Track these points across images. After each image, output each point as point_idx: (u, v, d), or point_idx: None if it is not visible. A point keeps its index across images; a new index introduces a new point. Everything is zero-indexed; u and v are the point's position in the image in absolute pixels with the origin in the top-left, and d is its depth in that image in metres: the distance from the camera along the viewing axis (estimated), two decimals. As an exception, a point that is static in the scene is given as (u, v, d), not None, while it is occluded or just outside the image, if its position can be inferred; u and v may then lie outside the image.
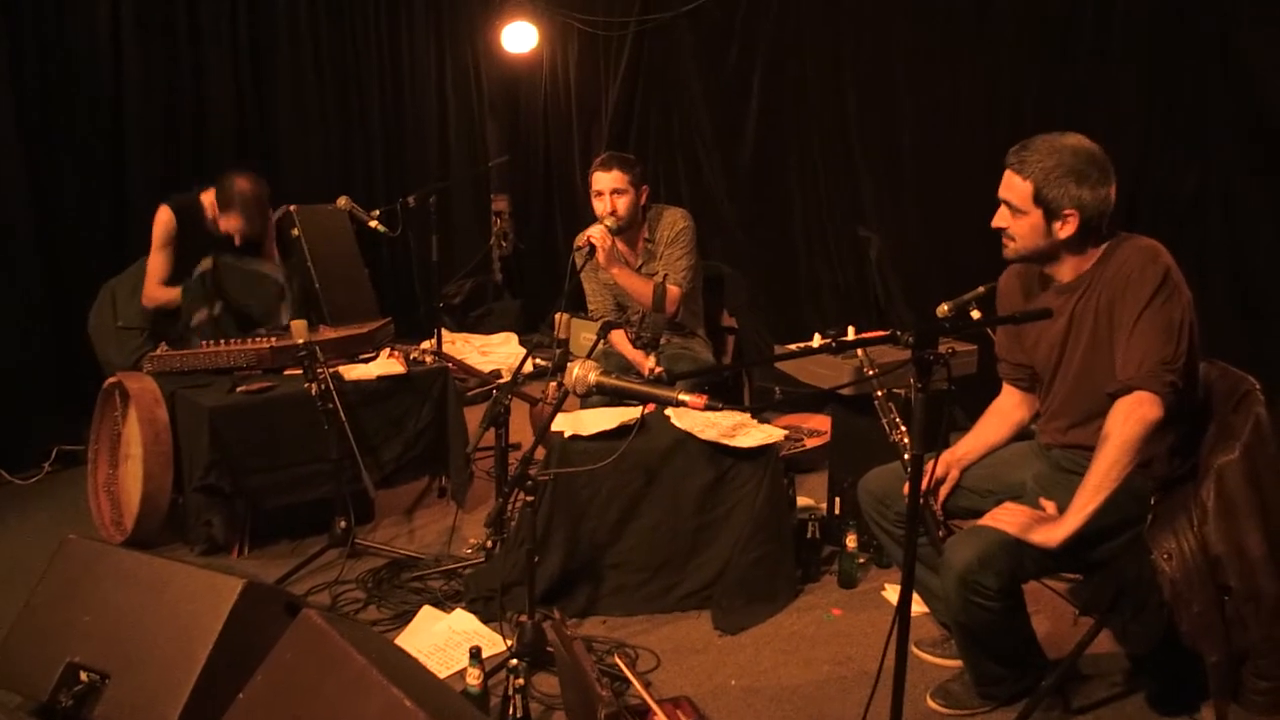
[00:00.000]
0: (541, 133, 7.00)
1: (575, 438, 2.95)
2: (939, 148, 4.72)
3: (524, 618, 2.61)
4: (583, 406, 3.27)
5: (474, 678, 2.38)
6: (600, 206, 3.50)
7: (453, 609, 2.91)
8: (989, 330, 2.74)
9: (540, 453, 2.87)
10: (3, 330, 4.22)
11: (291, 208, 3.92)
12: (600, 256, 3.37)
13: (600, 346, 3.03)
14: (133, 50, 4.87)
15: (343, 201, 4.21)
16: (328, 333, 3.67)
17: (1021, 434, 2.59)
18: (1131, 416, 2.11)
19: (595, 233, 3.38)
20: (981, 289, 2.49)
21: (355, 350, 3.68)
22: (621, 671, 2.48)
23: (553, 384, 2.71)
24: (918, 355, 1.80)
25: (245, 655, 1.99)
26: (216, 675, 2.04)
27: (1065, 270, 2.29)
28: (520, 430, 4.35)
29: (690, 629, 2.89)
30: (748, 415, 3.14)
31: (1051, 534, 2.13)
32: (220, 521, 3.27)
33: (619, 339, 3.68)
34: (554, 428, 2.93)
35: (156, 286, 3.81)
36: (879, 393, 2.68)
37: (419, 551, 3.37)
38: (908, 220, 4.88)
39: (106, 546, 2.49)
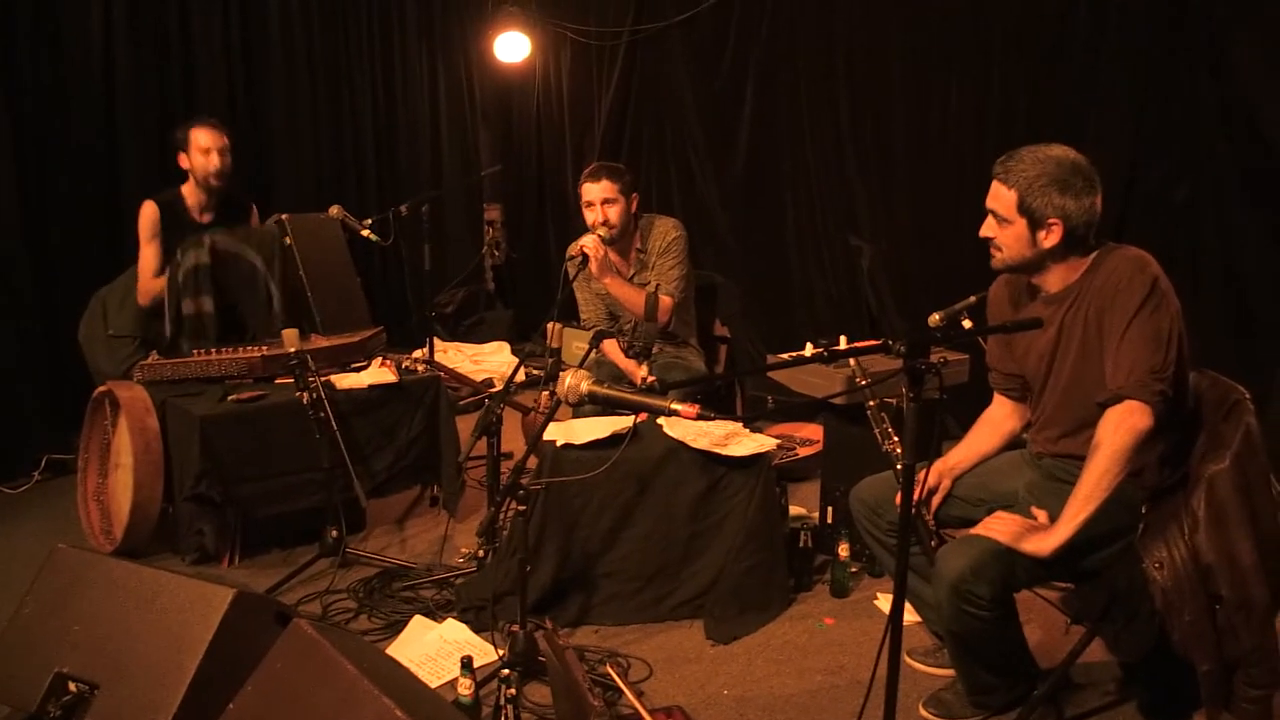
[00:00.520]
0: (534, 142, 7.02)
1: (568, 447, 2.95)
2: (931, 157, 4.74)
3: (516, 627, 2.60)
4: (575, 416, 3.26)
5: (465, 688, 2.37)
6: (591, 216, 3.50)
7: (444, 618, 2.90)
8: (980, 340, 2.75)
9: (532, 462, 2.87)
10: (-7, 338, 4.21)
11: (283, 216, 3.91)
12: (593, 266, 3.37)
13: (592, 356, 3.03)
14: (125, 59, 4.87)
15: (335, 210, 4.21)
16: (319, 341, 3.66)
17: (1013, 443, 2.60)
18: (1121, 426, 2.12)
19: (588, 242, 3.39)
20: (973, 298, 2.50)
21: (347, 359, 3.67)
22: (614, 681, 2.48)
23: (545, 393, 2.71)
24: (910, 365, 1.81)
25: (235, 665, 1.98)
26: (206, 686, 2.03)
27: (1053, 280, 2.31)
28: (512, 439, 4.35)
29: (683, 638, 2.89)
30: (740, 424, 3.14)
31: (1043, 543, 2.14)
32: (211, 531, 3.25)
33: (611, 348, 3.68)
34: (546, 437, 2.93)
35: (150, 280, 3.80)
36: (871, 402, 2.68)
37: (411, 561, 3.36)
38: (900, 229, 4.89)
39: (96, 556, 2.48)
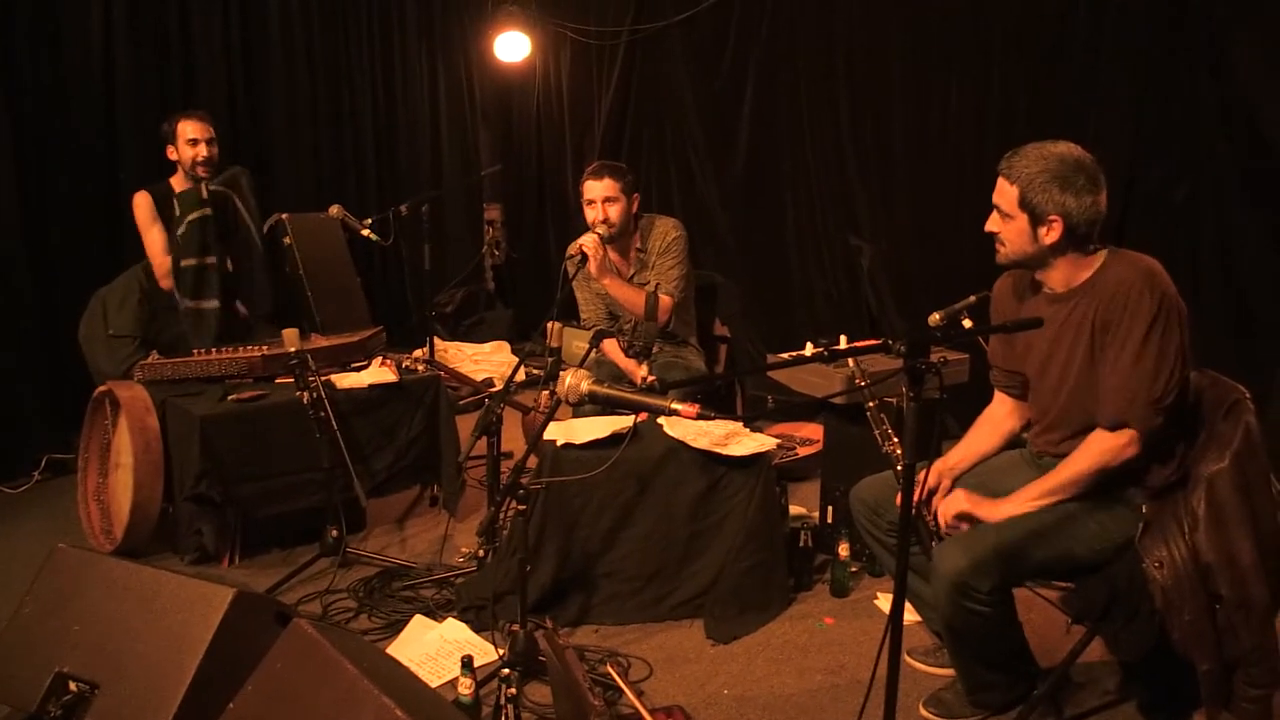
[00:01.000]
0: (534, 142, 7.02)
1: (568, 446, 2.95)
2: (931, 157, 4.74)
3: (516, 627, 2.60)
4: (575, 415, 3.26)
5: (466, 687, 2.37)
6: (592, 215, 3.50)
7: (444, 618, 2.90)
8: (981, 339, 2.75)
9: (532, 461, 2.87)
10: (-7, 338, 4.21)
11: (284, 216, 3.92)
12: (592, 265, 3.37)
13: (592, 355, 3.03)
14: (125, 58, 4.87)
15: (335, 210, 4.21)
16: (319, 341, 3.66)
17: (1013, 442, 2.60)
18: (1109, 449, 2.19)
19: (587, 241, 3.38)
20: (973, 298, 2.50)
21: (347, 359, 3.67)
22: (614, 681, 2.48)
23: (545, 393, 2.71)
24: (910, 364, 1.81)
25: (236, 665, 1.98)
26: (206, 685, 2.03)
27: (1057, 278, 2.30)
28: (512, 439, 4.35)
29: (683, 638, 2.89)
30: (740, 424, 3.14)
31: (993, 511, 2.25)
32: (211, 530, 3.25)
33: (611, 348, 3.68)
34: (546, 436, 2.93)
35: (164, 259, 3.82)
36: (871, 402, 2.68)
37: (411, 560, 3.36)
38: (900, 229, 4.89)
39: (96, 555, 2.48)
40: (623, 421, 2.98)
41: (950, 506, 2.33)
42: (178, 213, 3.71)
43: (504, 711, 2.27)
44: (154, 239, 3.84)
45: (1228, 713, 2.10)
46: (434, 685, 2.57)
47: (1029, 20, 4.33)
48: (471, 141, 7.08)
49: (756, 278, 5.37)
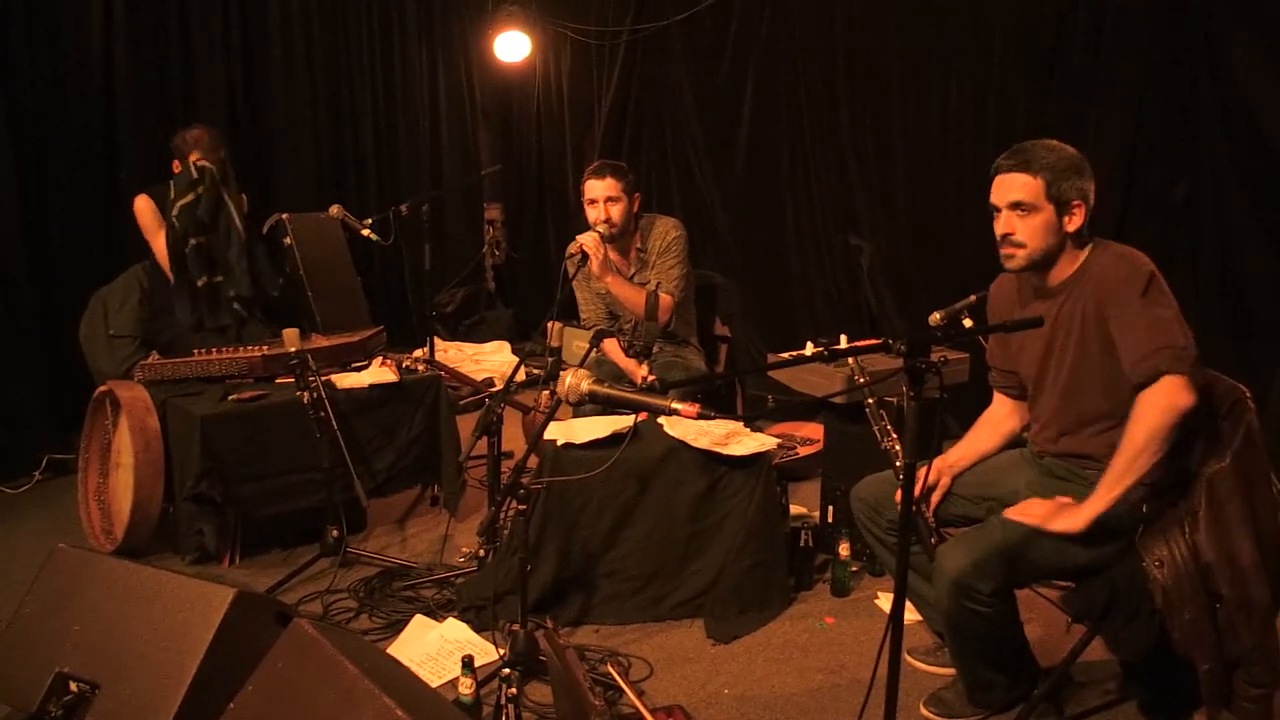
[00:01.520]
0: (534, 141, 7.01)
1: (568, 446, 2.95)
2: (931, 157, 4.74)
3: (516, 626, 2.60)
4: (575, 415, 3.26)
5: (466, 687, 2.37)
6: (593, 214, 3.50)
7: (445, 618, 2.90)
8: (981, 339, 2.75)
9: (533, 461, 2.87)
10: (-7, 338, 4.21)
11: (284, 216, 3.92)
12: (593, 264, 3.37)
13: (593, 355, 3.03)
14: (125, 58, 4.87)
15: (335, 210, 4.21)
16: (320, 341, 3.66)
17: (1013, 442, 2.60)
18: (1158, 405, 2.09)
19: (587, 240, 3.37)
20: (973, 297, 2.50)
21: (347, 359, 3.67)
22: (614, 680, 2.48)
23: (545, 392, 2.71)
24: (910, 364, 1.81)
25: (236, 665, 1.98)
26: (207, 685, 2.03)
27: (1055, 273, 2.31)
28: (513, 439, 4.35)
29: (683, 637, 2.89)
30: (740, 423, 3.14)
31: (1073, 521, 2.14)
32: (211, 530, 3.25)
33: (611, 347, 3.68)
34: (547, 436, 2.93)
35: None
36: (870, 401, 2.68)
37: (411, 560, 3.36)
38: (900, 229, 4.89)
39: (97, 555, 2.48)
40: (623, 421, 2.98)
41: (1029, 520, 2.21)
42: (172, 195, 3.71)
43: (504, 711, 2.27)
44: (162, 243, 3.83)
45: (1228, 712, 2.10)
46: (434, 685, 2.57)
47: (1029, 20, 4.33)
48: (471, 141, 7.08)
49: (756, 278, 5.36)
